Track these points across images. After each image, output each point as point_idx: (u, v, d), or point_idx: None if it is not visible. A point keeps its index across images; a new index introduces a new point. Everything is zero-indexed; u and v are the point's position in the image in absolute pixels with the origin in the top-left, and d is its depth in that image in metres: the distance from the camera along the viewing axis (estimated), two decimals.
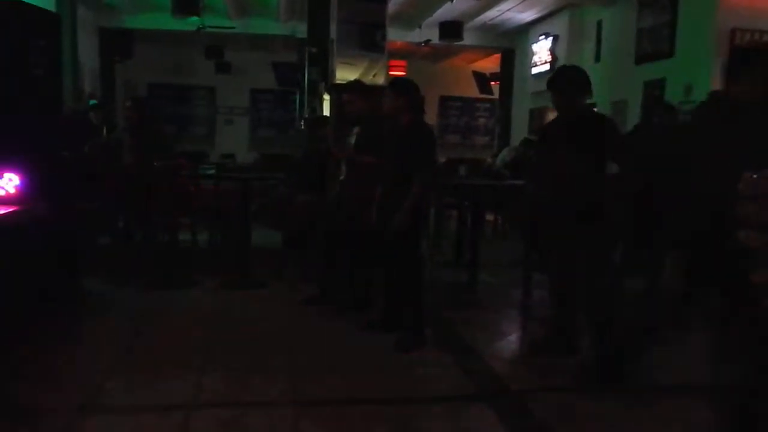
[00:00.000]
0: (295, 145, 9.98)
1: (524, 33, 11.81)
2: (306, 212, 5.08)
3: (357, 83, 4.61)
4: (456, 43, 10.83)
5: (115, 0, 10.23)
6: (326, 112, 8.87)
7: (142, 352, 3.37)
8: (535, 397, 2.90)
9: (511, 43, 12.26)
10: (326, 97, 8.78)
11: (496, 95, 13.13)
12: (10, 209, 3.30)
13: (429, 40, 11.32)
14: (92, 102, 6.61)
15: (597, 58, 9.53)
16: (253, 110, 14.16)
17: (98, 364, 3.14)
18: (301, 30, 9.93)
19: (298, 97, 12.39)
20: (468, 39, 10.94)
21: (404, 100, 3.56)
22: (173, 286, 4.73)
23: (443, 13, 10.24)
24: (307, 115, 9.07)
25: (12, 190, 3.52)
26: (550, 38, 10.64)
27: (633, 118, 7.78)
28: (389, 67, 10.47)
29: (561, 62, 10.23)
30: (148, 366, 3.14)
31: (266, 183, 5.84)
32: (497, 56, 12.97)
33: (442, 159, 8.58)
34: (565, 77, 3.34)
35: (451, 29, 10.37)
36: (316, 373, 3.13)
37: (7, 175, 3.52)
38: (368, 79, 9.03)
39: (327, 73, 8.50)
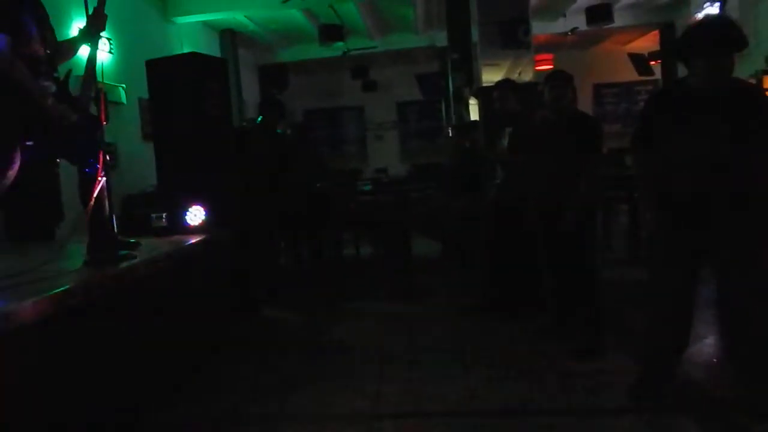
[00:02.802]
0: (445, 153, 10.02)
1: (684, 3, 10.68)
2: (462, 218, 5.03)
3: (506, 81, 4.48)
4: (606, 26, 10.10)
5: (269, 37, 11.13)
6: (473, 117, 8.78)
7: (321, 363, 3.53)
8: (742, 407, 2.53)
9: (670, 16, 11.16)
10: (472, 102, 8.69)
11: (658, 75, 12.00)
12: (199, 238, 3.69)
13: (576, 28, 10.70)
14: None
15: None
16: (400, 123, 14.50)
17: (282, 375, 3.35)
18: (441, 38, 9.98)
19: (443, 105, 12.46)
20: (619, 20, 10.14)
21: (572, 90, 3.38)
22: (342, 298, 4.95)
23: None
24: (453, 122, 9.04)
25: (199, 221, 3.95)
26: (717, 3, 9.49)
27: None
28: (535, 63, 10.09)
29: None
30: (329, 376, 3.28)
31: (421, 193, 5.91)
32: (654, 33, 11.87)
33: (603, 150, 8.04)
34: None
35: (600, 12, 9.68)
36: (492, 382, 3.04)
37: (195, 208, 3.96)
38: (513, 78, 8.78)
39: (471, 78, 8.40)
